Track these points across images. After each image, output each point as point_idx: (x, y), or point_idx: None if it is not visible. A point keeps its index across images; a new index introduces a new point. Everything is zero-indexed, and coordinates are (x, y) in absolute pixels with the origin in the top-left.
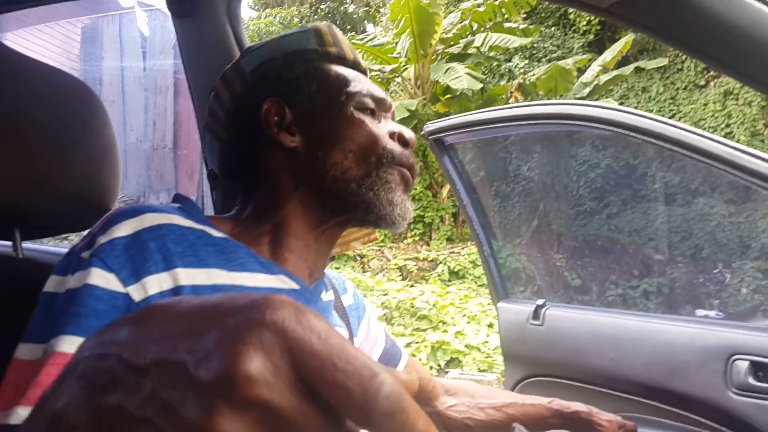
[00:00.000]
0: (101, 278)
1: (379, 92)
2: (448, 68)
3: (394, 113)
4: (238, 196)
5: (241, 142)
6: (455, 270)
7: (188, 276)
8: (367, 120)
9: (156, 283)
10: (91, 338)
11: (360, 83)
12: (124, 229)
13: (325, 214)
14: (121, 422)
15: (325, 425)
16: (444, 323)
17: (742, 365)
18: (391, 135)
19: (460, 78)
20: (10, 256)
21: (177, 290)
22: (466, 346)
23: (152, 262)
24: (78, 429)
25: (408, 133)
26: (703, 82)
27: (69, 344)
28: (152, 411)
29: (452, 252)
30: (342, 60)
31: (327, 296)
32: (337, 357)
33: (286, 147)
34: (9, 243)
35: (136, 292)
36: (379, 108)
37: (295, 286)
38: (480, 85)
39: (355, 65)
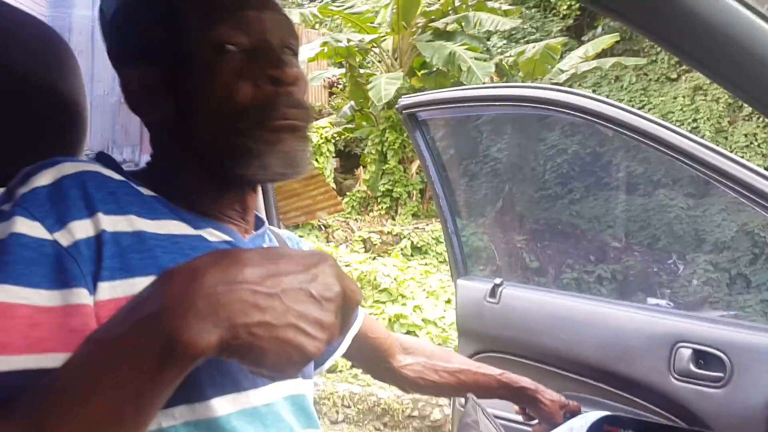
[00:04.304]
0: (26, 226)
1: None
2: (451, 52)
3: (282, 21)
4: None
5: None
6: (418, 245)
7: (110, 222)
8: (227, 67)
9: (82, 228)
10: (209, 276)
11: (219, 8)
12: (44, 179)
13: (218, 183)
14: (268, 329)
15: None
16: (403, 297)
17: (686, 353)
18: (258, 77)
19: (471, 70)
20: None
21: (100, 235)
22: (423, 320)
23: (75, 209)
24: (237, 339)
25: (278, 70)
26: (674, 76)
27: (1, 293)
28: (292, 318)
29: (417, 228)
30: None
31: None
32: (349, 278)
33: (158, 124)
34: None
35: (63, 238)
36: (252, 33)
37: (227, 238)
38: (492, 70)
39: None
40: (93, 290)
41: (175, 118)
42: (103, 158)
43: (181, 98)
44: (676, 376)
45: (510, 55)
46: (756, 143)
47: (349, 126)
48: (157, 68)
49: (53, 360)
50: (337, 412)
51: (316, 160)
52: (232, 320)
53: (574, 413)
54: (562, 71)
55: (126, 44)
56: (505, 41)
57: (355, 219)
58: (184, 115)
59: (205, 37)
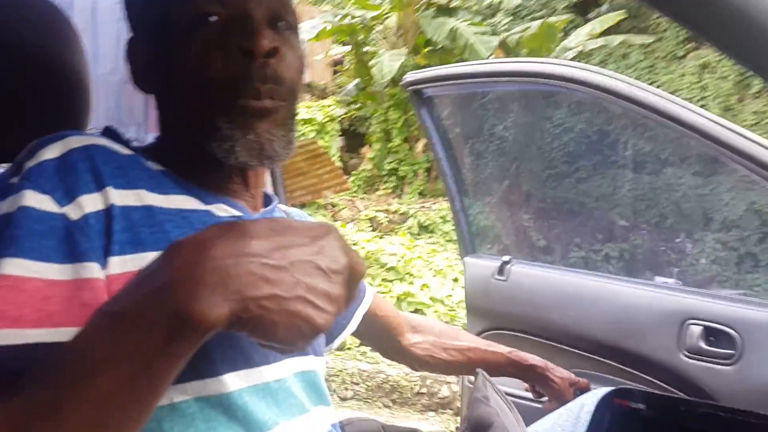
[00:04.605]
0: (35, 200)
1: None
2: (453, 29)
3: None
4: None
5: None
6: (425, 224)
7: (119, 196)
8: (198, 38)
9: (91, 202)
10: (218, 248)
11: None
12: (52, 152)
13: (208, 158)
14: (278, 302)
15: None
16: (411, 275)
17: (696, 330)
18: (229, 49)
19: (473, 46)
20: None
21: (109, 209)
22: (430, 298)
23: (83, 182)
24: (247, 312)
25: (249, 42)
26: (682, 53)
27: (12, 266)
28: (301, 291)
29: (423, 206)
30: None
31: None
32: (354, 250)
33: (157, 98)
34: None
35: (72, 212)
36: (230, 3)
37: (236, 213)
38: (495, 44)
39: None
40: (104, 264)
41: (167, 91)
42: (110, 133)
43: (169, 71)
44: (686, 353)
45: (515, 32)
46: (765, 121)
47: (354, 105)
48: (153, 42)
49: (65, 334)
50: (346, 390)
51: (322, 138)
52: (242, 293)
53: (583, 390)
54: (568, 49)
55: (131, 20)
56: (510, 18)
57: (361, 198)
58: (171, 88)
59: (186, 7)
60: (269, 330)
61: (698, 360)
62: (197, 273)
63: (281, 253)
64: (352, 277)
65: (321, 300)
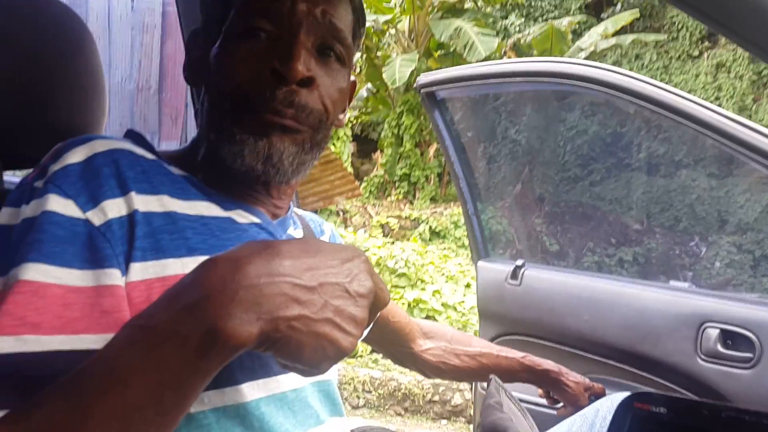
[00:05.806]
0: (59, 204)
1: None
2: (457, 28)
3: (315, 14)
4: None
5: None
6: (437, 230)
7: (142, 202)
8: (240, 48)
9: (114, 207)
10: (252, 267)
11: None
12: (77, 156)
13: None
14: (306, 323)
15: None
16: (422, 281)
17: (713, 333)
18: (262, 66)
19: (473, 45)
20: None
21: (132, 215)
22: (442, 304)
23: (108, 187)
24: (277, 332)
25: (284, 66)
26: (696, 53)
27: (34, 271)
28: (329, 313)
29: (435, 212)
30: None
31: (295, 233)
32: (378, 276)
33: (200, 98)
34: None
35: (95, 217)
36: (280, 23)
37: (255, 220)
38: (495, 45)
39: None
40: (125, 271)
41: (205, 90)
42: (133, 136)
43: (210, 72)
44: (703, 356)
45: (528, 34)
46: None
47: (366, 110)
48: (208, 41)
49: (85, 341)
50: (358, 397)
51: (333, 144)
52: (274, 313)
53: (598, 395)
54: (582, 49)
55: (201, 12)
56: (523, 19)
57: (373, 204)
58: (207, 89)
59: (241, 18)
60: (296, 351)
61: (715, 364)
62: (231, 290)
63: (311, 274)
64: (376, 302)
65: (347, 323)
